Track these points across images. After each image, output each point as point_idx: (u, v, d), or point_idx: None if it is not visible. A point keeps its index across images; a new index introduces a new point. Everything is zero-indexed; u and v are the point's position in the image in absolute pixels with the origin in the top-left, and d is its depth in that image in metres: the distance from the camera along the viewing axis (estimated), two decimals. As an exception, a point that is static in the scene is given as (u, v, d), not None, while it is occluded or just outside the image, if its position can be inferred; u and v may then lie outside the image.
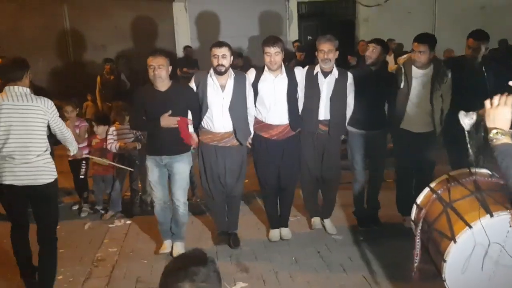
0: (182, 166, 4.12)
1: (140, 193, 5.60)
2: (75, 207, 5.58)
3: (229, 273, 3.92)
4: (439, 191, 3.12)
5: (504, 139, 1.85)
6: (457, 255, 2.76)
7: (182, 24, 10.13)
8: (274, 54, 4.12)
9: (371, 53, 4.36)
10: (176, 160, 4.08)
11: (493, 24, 8.56)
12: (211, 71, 4.14)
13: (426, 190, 3.24)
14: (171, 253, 4.28)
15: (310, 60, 6.47)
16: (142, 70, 8.49)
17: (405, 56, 4.46)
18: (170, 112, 3.93)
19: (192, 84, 4.20)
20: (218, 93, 4.13)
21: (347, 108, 4.40)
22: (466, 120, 2.61)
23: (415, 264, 3.12)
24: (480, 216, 2.70)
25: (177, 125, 3.96)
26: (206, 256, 1.53)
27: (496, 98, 1.91)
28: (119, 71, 8.85)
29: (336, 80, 4.31)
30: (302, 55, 8.20)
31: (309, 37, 10.07)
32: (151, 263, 4.18)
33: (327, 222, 4.67)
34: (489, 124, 1.91)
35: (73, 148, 3.94)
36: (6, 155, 3.39)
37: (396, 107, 4.41)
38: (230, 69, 4.16)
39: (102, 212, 5.45)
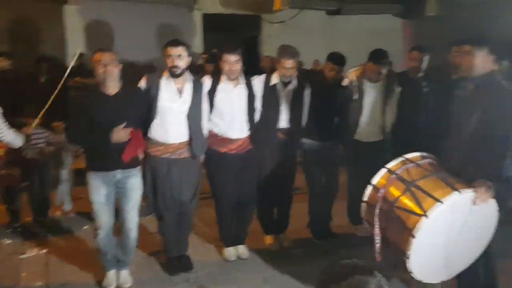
0: (137, 182, 3.55)
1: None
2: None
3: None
4: (398, 172, 3.07)
5: None
6: (427, 230, 2.74)
7: (74, 30, 9.12)
8: (234, 62, 3.78)
9: (330, 73, 4.20)
10: (131, 175, 3.49)
11: (383, 46, 9.12)
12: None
13: (383, 171, 3.14)
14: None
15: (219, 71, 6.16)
16: (23, 80, 7.54)
17: (355, 68, 4.42)
18: (124, 124, 3.32)
19: (142, 86, 3.65)
20: (174, 98, 3.64)
21: (302, 118, 4.24)
22: None
23: (377, 245, 3.00)
24: (449, 193, 2.75)
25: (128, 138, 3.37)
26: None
27: None
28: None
29: (294, 90, 4.13)
30: (211, 66, 7.90)
31: (213, 50, 9.83)
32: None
33: (282, 236, 4.42)
34: None
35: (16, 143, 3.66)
36: None
37: (349, 119, 4.37)
38: (188, 72, 3.71)
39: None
